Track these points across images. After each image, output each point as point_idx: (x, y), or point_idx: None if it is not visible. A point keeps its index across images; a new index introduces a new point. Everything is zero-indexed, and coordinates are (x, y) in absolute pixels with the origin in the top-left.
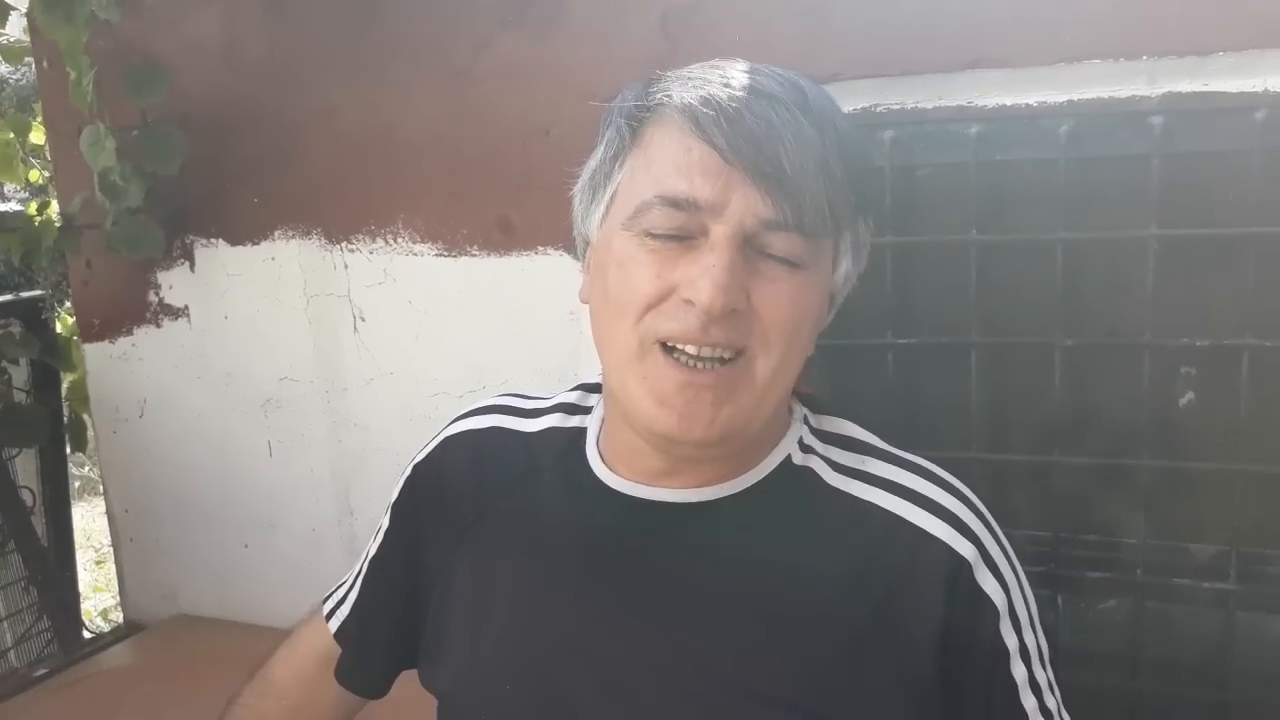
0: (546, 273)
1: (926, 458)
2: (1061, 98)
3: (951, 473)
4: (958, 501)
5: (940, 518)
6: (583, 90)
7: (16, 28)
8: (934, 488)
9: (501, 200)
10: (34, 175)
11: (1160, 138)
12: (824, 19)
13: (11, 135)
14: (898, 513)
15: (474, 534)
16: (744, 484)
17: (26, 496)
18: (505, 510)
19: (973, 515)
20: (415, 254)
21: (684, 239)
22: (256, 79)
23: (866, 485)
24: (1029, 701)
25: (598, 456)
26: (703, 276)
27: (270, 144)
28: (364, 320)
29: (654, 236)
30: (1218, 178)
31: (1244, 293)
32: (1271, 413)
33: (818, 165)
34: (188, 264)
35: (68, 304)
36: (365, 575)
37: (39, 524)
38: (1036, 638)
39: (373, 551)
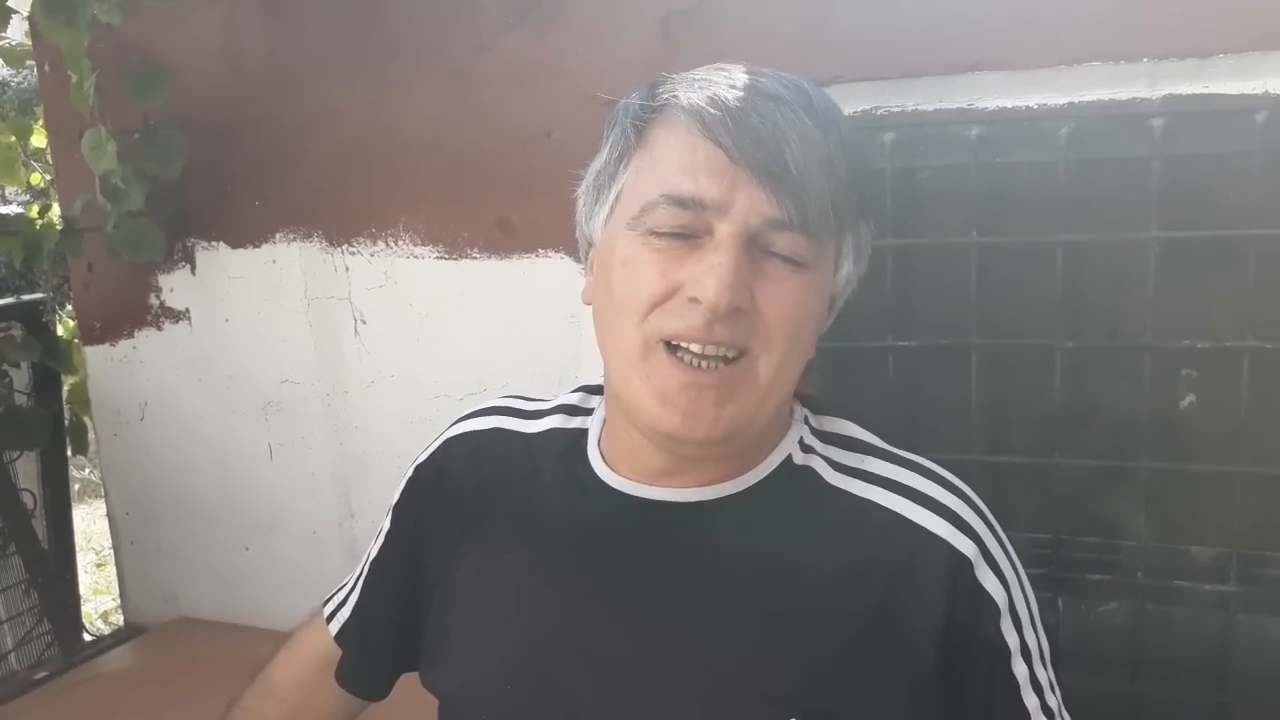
0: (547, 276)
1: (927, 459)
2: (1062, 100)
3: (952, 473)
4: (958, 500)
5: (941, 515)
6: (583, 93)
7: (18, 31)
8: (934, 486)
9: (502, 203)
10: (35, 178)
11: (1161, 140)
12: (824, 21)
13: (13, 138)
14: (898, 511)
15: (475, 534)
16: (745, 483)
17: (27, 499)
18: (506, 510)
19: (973, 513)
20: (416, 257)
21: (689, 238)
22: (257, 82)
23: (867, 484)
24: (1031, 700)
25: (599, 457)
26: (708, 274)
27: (271, 147)
28: (365, 323)
29: (659, 236)
30: (1218, 180)
31: (1245, 295)
32: (1272, 415)
33: (822, 166)
34: (189, 267)
35: (69, 307)
36: (366, 577)
37: (40, 526)
38: (1038, 636)
39: (374, 553)
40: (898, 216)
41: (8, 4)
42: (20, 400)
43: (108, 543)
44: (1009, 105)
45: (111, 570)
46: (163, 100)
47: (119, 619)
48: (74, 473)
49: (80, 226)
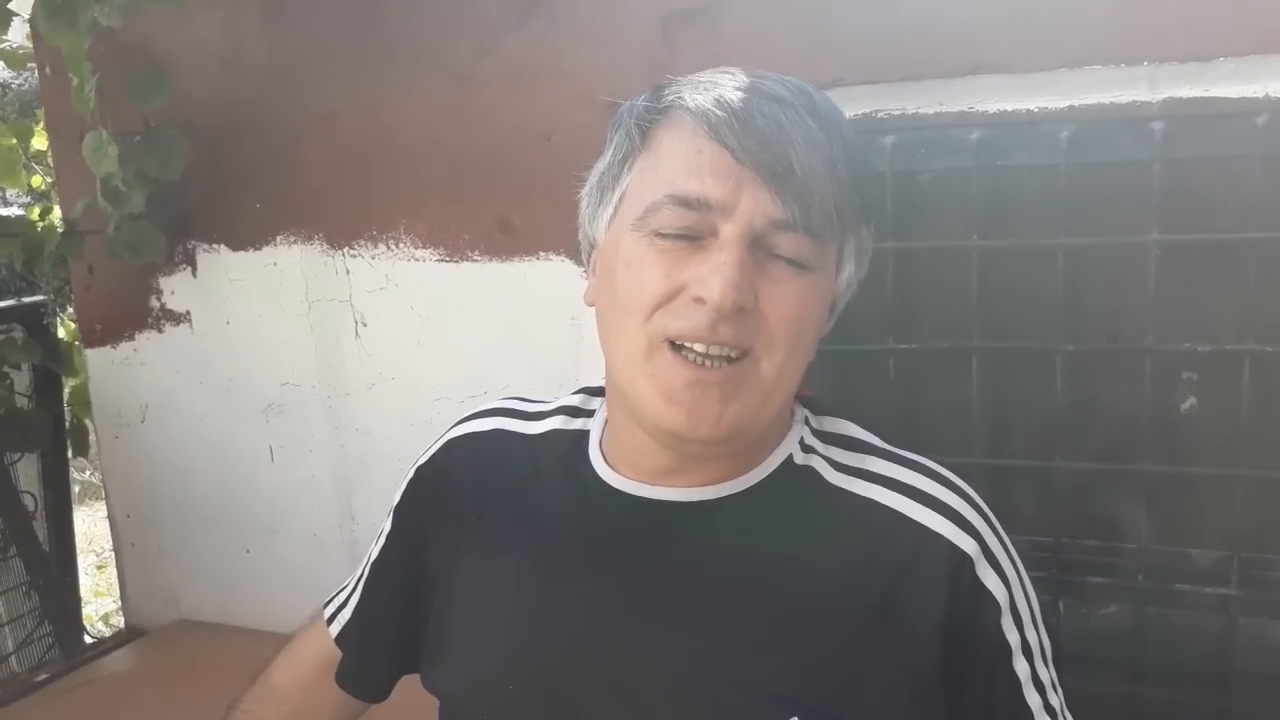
0: (548, 278)
1: (928, 459)
2: (1062, 103)
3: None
4: (959, 498)
5: (942, 514)
6: (584, 95)
7: (19, 33)
8: (935, 484)
9: (503, 205)
10: (36, 181)
11: (1161, 143)
12: (825, 24)
13: (14, 141)
14: (899, 509)
15: (476, 534)
16: (746, 483)
17: (28, 501)
18: (507, 511)
19: (974, 511)
20: (417, 259)
21: (693, 239)
22: (258, 84)
23: (867, 483)
24: (1033, 699)
25: (600, 458)
26: (713, 274)
27: (272, 149)
28: (365, 325)
29: (664, 236)
30: (1219, 183)
31: (1245, 298)
32: (1273, 417)
33: (826, 168)
34: (190, 269)
35: (70, 309)
36: (367, 579)
37: (40, 529)
38: (1039, 635)
39: (375, 555)
40: (898, 219)
41: (9, 6)
42: (21, 402)
43: (108, 545)
44: (1009, 108)
45: (112, 572)
46: (163, 102)
47: (120, 621)
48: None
49: (81, 229)
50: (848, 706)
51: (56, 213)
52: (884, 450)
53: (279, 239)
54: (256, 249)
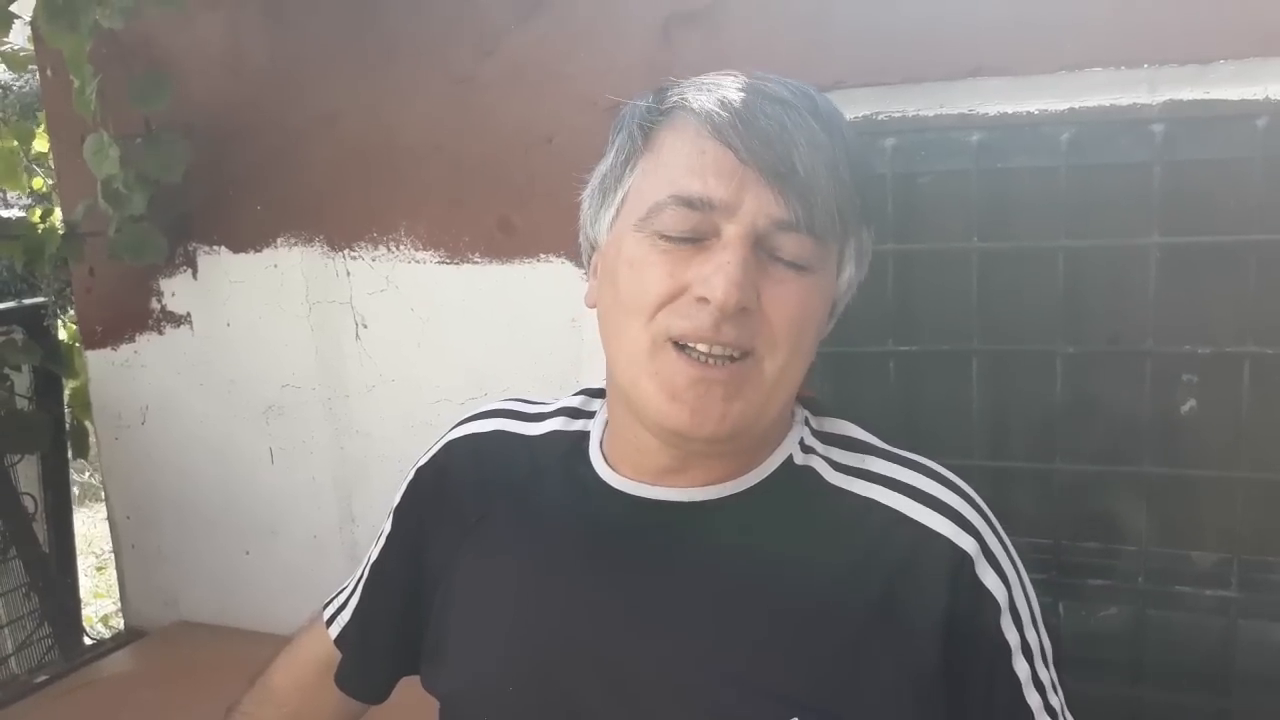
0: (548, 280)
1: (928, 459)
2: (1063, 105)
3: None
4: (958, 498)
5: (941, 513)
6: (585, 97)
7: (20, 36)
8: (935, 484)
9: (503, 207)
10: (37, 183)
11: (1161, 145)
12: (826, 27)
13: (15, 143)
14: (899, 509)
15: (476, 535)
16: (746, 484)
17: (28, 503)
18: (508, 512)
19: (974, 511)
20: (417, 261)
21: (696, 239)
22: (259, 86)
23: (867, 483)
24: (1033, 699)
25: (601, 459)
26: (717, 273)
27: (272, 151)
28: (366, 327)
29: (667, 237)
30: (1219, 185)
31: (1245, 300)
32: (1273, 420)
33: (828, 169)
34: (190, 271)
35: (70, 311)
36: (367, 580)
37: (40, 530)
38: (1039, 636)
39: (374, 556)
40: (899, 221)
41: (10, 8)
42: (21, 404)
43: (108, 546)
44: (1010, 111)
45: (112, 574)
46: (164, 105)
47: (119, 623)
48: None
49: (82, 231)
50: (848, 706)
51: (57, 215)
52: (884, 450)
53: (280, 241)
54: (257, 251)
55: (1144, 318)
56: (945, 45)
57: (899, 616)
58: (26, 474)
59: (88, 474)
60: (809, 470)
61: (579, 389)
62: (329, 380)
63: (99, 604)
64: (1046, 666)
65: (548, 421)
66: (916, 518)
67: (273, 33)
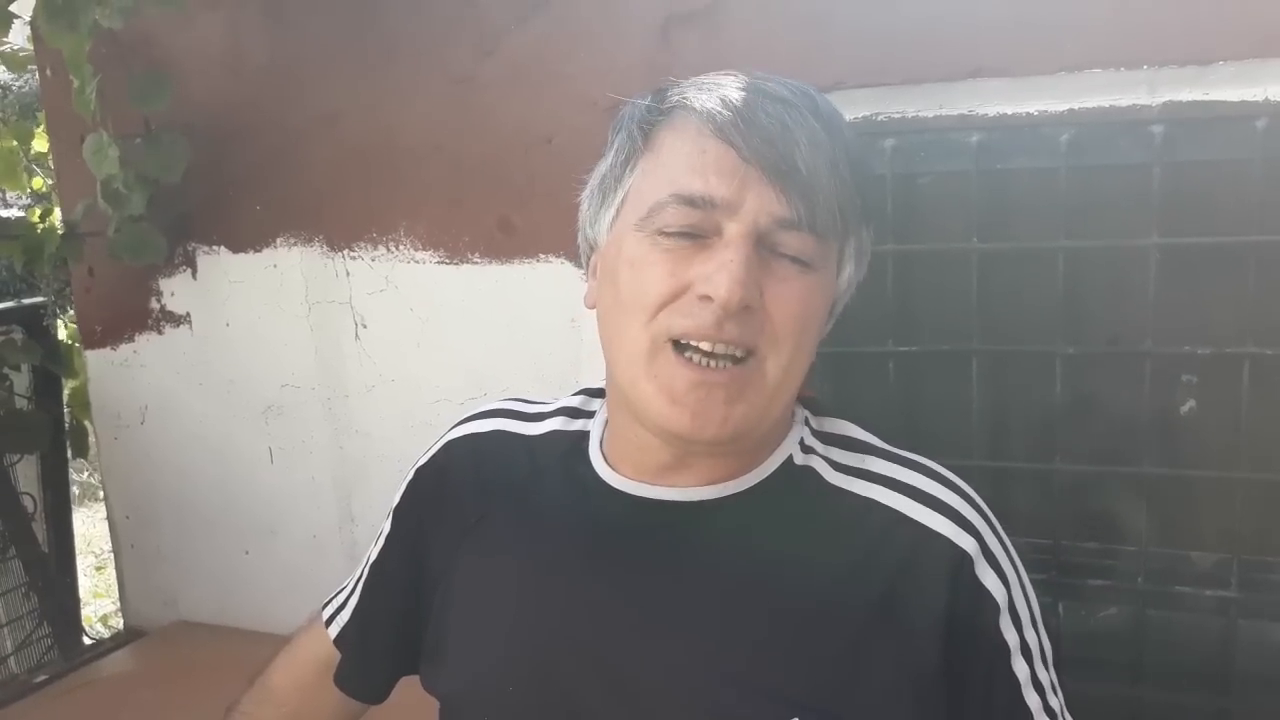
0: (548, 280)
1: (928, 459)
2: (1062, 106)
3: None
4: (958, 497)
5: (941, 513)
6: (585, 98)
7: (20, 36)
8: (935, 484)
9: (503, 208)
10: (37, 183)
11: (1161, 146)
12: (825, 28)
13: (15, 143)
14: (899, 509)
15: (476, 535)
16: (746, 484)
17: (27, 502)
18: (508, 512)
19: (973, 511)
20: (417, 261)
21: (697, 238)
22: (258, 86)
23: (867, 483)
24: (1033, 700)
25: (601, 458)
26: (719, 271)
27: (272, 151)
28: (365, 327)
29: (668, 235)
30: (1218, 186)
31: (1245, 300)
32: (1273, 420)
33: (829, 167)
34: (190, 271)
35: (70, 311)
36: (366, 580)
37: (40, 530)
38: (1039, 636)
39: (374, 556)
40: (898, 222)
41: (10, 8)
42: (21, 404)
43: (107, 546)
44: (1010, 112)
45: (111, 574)
46: (164, 105)
47: (119, 622)
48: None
49: (81, 231)
50: (849, 706)
51: (57, 214)
52: (883, 450)
53: (279, 241)
54: (256, 251)
55: (1143, 318)
56: (945, 46)
57: (899, 616)
58: (26, 474)
59: (87, 474)
60: (809, 470)
61: (578, 389)
62: (328, 380)
63: (98, 604)
64: (1046, 668)
65: (547, 421)
66: (916, 517)
67: (273, 33)
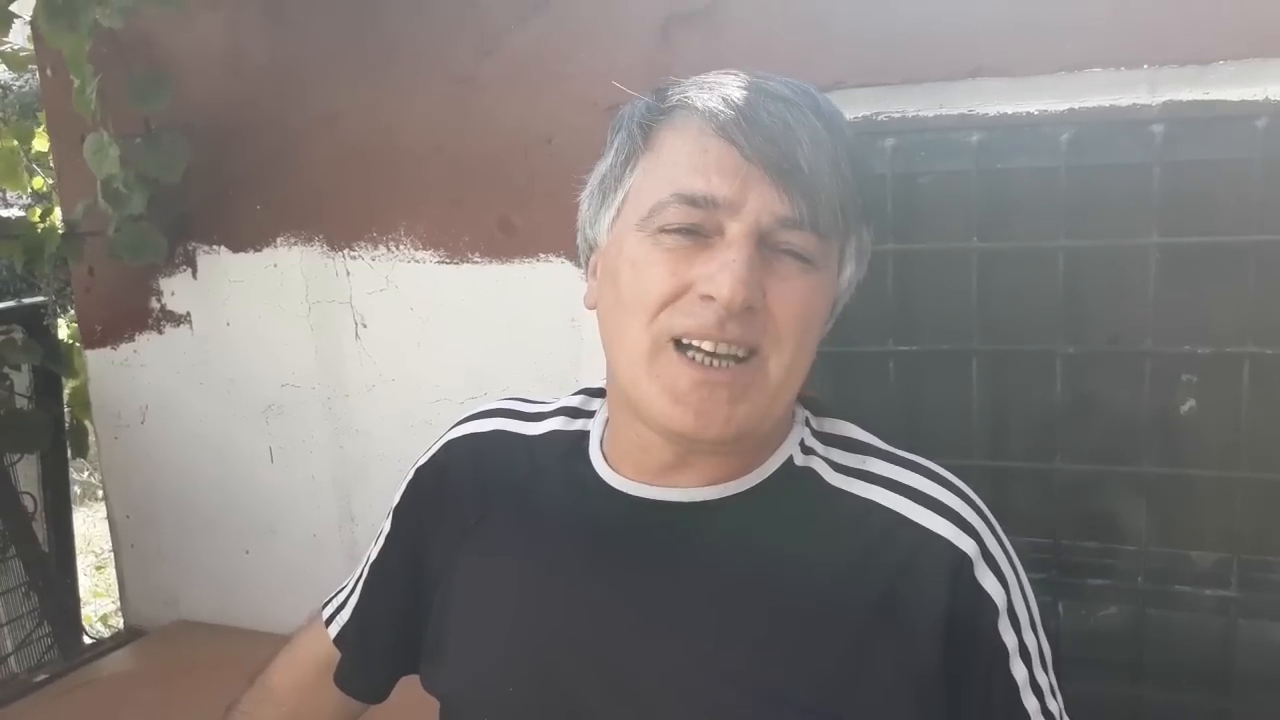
0: (548, 280)
1: (929, 460)
2: (1062, 106)
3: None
4: (959, 499)
5: (941, 515)
6: (585, 98)
7: (20, 35)
8: (935, 486)
9: (503, 208)
10: (37, 182)
11: (1161, 146)
12: (826, 27)
13: (15, 142)
14: (899, 510)
15: (476, 536)
16: (746, 484)
17: (27, 502)
18: (508, 512)
19: (974, 513)
20: (417, 261)
21: (699, 238)
22: (259, 85)
23: (868, 484)
24: (1030, 703)
25: (601, 459)
26: (722, 271)
27: (272, 150)
28: (365, 327)
29: (669, 235)
30: (1219, 185)
31: (1245, 300)
32: (1273, 420)
33: (831, 166)
34: (190, 270)
35: (70, 310)
36: (366, 579)
37: (40, 529)
38: (1038, 639)
39: (374, 555)
40: (899, 221)
41: (10, 8)
42: (21, 403)
43: (108, 546)
44: (1010, 111)
45: (111, 573)
46: (164, 104)
47: (119, 622)
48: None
49: (82, 230)
50: (849, 707)
51: (57, 214)
52: (884, 451)
53: (279, 240)
54: (257, 250)
55: (1144, 318)
56: (945, 46)
57: (899, 617)
58: (26, 473)
59: (87, 473)
60: (809, 471)
61: (578, 388)
62: (328, 380)
63: (98, 603)
64: (1045, 670)
65: (547, 421)
66: (916, 519)
67: (273, 32)
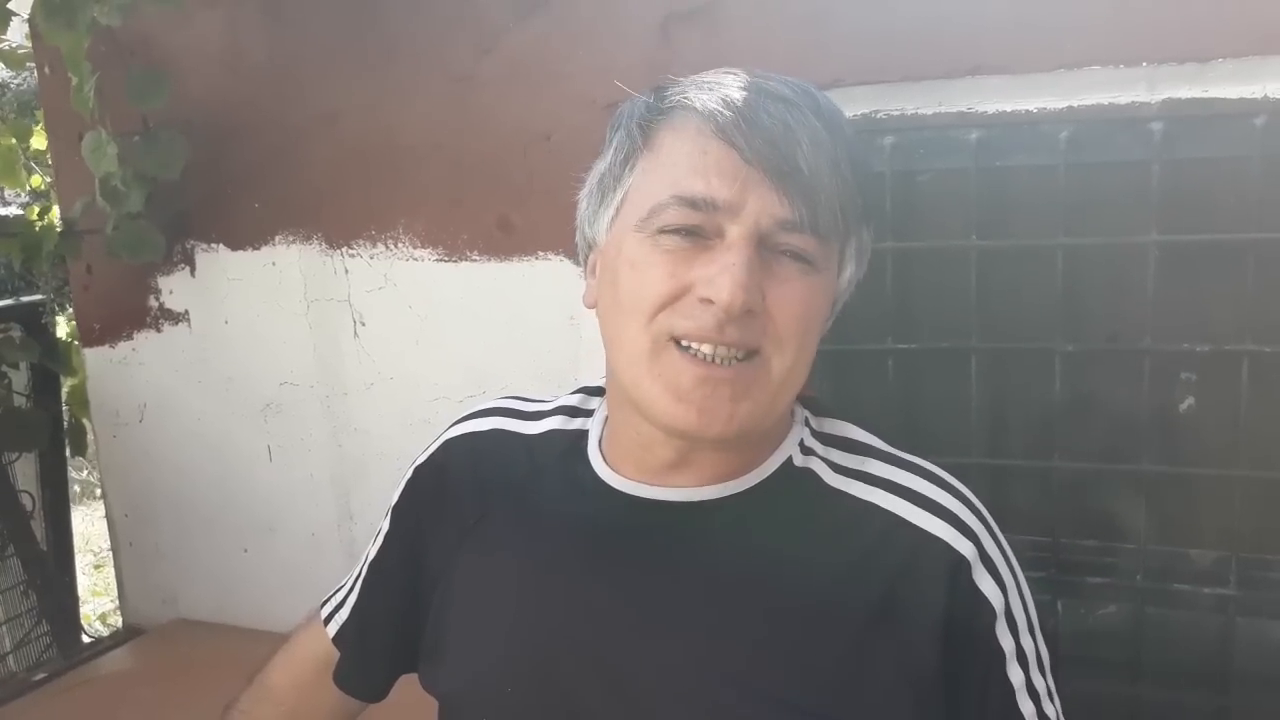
0: (546, 278)
1: (929, 462)
2: (1061, 104)
3: (954, 477)
4: (958, 502)
5: (940, 517)
6: (583, 96)
7: (18, 33)
8: (934, 488)
9: (502, 206)
10: (35, 180)
11: (1160, 143)
12: (824, 25)
13: (13, 140)
14: (898, 513)
15: (475, 535)
16: (745, 484)
17: (26, 501)
18: (507, 511)
19: (973, 516)
20: (416, 259)
21: (698, 240)
22: (257, 84)
23: (867, 486)
24: (1027, 707)
25: (600, 458)
26: (722, 274)
27: (271, 149)
28: (364, 325)
29: (668, 236)
30: (1218, 183)
31: (1244, 298)
32: (1272, 418)
33: (831, 167)
34: (188, 269)
35: (68, 308)
36: (365, 578)
37: (38, 528)
38: (1035, 643)
39: (372, 554)
40: (897, 220)
41: (8, 6)
42: (19, 402)
43: (106, 544)
44: (1008, 109)
45: (110, 572)
46: (163, 102)
47: (117, 621)
48: (72, 474)
49: (80, 228)
50: (847, 708)
51: (55, 212)
52: (884, 453)
53: (278, 239)
54: (255, 249)
55: (1143, 316)
56: (944, 43)
57: (898, 618)
58: (24, 472)
59: (86, 472)
60: (808, 472)
61: (577, 387)
62: (327, 378)
63: (97, 602)
64: (1042, 674)
65: (546, 420)
66: (915, 521)
67: (271, 31)
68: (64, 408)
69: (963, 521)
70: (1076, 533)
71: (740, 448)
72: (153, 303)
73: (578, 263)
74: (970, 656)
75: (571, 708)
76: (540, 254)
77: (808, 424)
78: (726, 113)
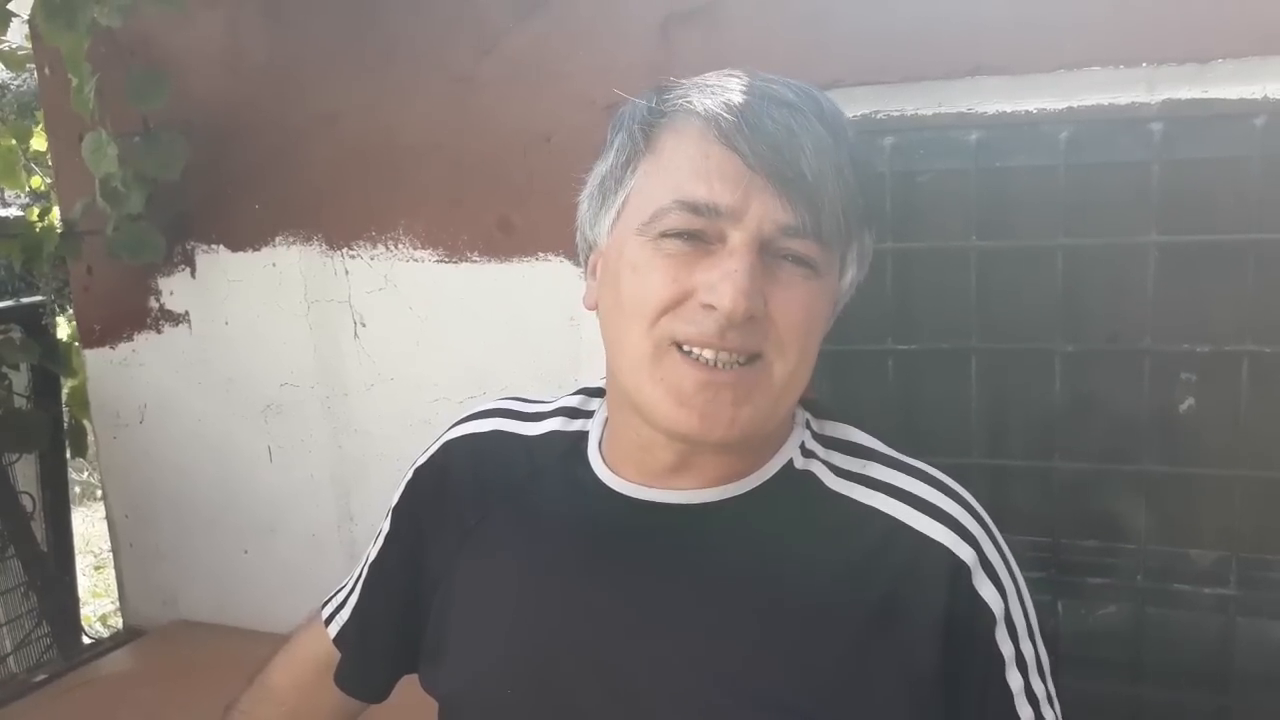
0: (547, 279)
1: (926, 463)
2: (1061, 104)
3: (952, 478)
4: (959, 507)
5: (941, 522)
6: (583, 97)
7: (18, 34)
8: (936, 493)
9: (502, 207)
10: (36, 181)
11: (1160, 144)
12: (824, 26)
13: (13, 141)
14: (899, 517)
15: (475, 537)
16: (746, 486)
17: (26, 502)
18: (507, 513)
19: (974, 521)
20: (416, 260)
21: (700, 244)
22: (257, 85)
23: (868, 490)
24: (1025, 712)
25: (600, 459)
26: (724, 280)
27: (271, 150)
28: (364, 326)
29: (670, 240)
30: (1218, 184)
31: (1244, 298)
32: (1272, 418)
33: (834, 172)
34: (188, 270)
35: (68, 309)
36: (365, 579)
37: (39, 529)
38: (1035, 648)
39: (373, 555)
40: (897, 220)
41: (8, 7)
42: (19, 403)
43: (107, 545)
44: (1009, 110)
45: (110, 573)
46: (163, 103)
47: (118, 622)
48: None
49: (80, 229)
50: (847, 710)
51: (55, 213)
52: (885, 456)
53: (278, 240)
54: (255, 250)
55: (1142, 316)
56: (944, 44)
57: (898, 621)
58: (25, 473)
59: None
60: (809, 475)
61: (577, 388)
62: (327, 379)
63: (97, 603)
64: (1042, 679)
65: (546, 421)
66: (916, 526)
67: (272, 32)
68: (64, 409)
69: (964, 527)
70: (1077, 533)
71: (741, 451)
72: (153, 304)
73: (578, 264)
74: (969, 661)
75: (571, 709)
76: (540, 255)
77: (809, 426)
78: (729, 117)
